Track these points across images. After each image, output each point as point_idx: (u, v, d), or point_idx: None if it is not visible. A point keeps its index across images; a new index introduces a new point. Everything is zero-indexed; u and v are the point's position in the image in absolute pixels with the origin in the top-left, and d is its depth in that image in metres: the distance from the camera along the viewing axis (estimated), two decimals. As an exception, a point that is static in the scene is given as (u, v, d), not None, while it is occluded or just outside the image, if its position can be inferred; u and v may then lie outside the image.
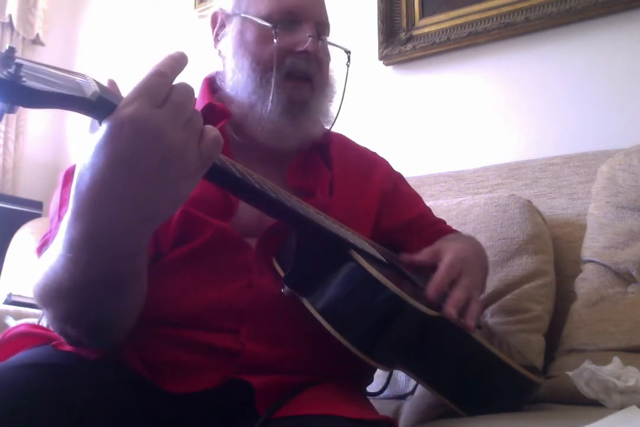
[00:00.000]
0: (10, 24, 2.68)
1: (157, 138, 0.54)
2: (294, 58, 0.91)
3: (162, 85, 0.56)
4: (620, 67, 1.53)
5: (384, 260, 0.86)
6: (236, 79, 0.93)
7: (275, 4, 0.92)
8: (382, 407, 0.95)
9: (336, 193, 0.97)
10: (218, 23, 0.99)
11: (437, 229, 1.09)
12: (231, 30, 0.96)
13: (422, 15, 1.87)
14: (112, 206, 0.56)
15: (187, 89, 0.57)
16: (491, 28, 1.70)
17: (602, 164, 1.31)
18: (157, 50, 2.46)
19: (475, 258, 0.94)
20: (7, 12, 2.65)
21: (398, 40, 1.89)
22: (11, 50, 0.49)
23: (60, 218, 0.80)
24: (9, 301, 1.99)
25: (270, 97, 0.90)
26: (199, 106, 0.94)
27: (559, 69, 1.62)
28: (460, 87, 1.79)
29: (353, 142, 1.11)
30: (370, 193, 1.02)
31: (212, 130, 0.59)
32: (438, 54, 1.83)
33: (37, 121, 2.85)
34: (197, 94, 0.97)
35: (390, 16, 1.91)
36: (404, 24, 1.89)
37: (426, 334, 0.78)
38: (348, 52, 1.01)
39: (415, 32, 1.86)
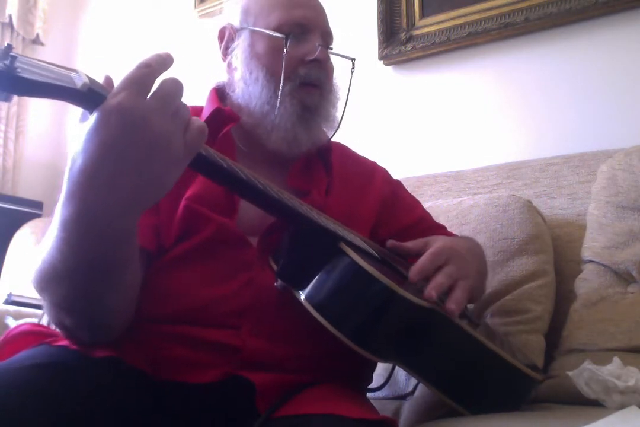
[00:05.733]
0: (10, 24, 2.68)
1: (143, 126, 0.58)
2: (306, 68, 0.95)
3: (148, 75, 0.59)
4: (620, 67, 1.53)
5: (376, 255, 0.86)
6: (250, 90, 0.96)
7: (285, 17, 0.96)
8: (382, 407, 0.95)
9: (332, 196, 0.99)
10: (226, 37, 1.02)
11: (437, 233, 1.08)
12: (241, 43, 0.99)
13: (422, 15, 1.87)
14: (101, 189, 0.59)
15: (174, 82, 0.61)
16: (491, 28, 1.70)
17: (602, 164, 1.31)
18: (157, 50, 2.46)
19: (467, 253, 0.94)
20: (7, 12, 2.65)
21: (398, 40, 1.89)
22: (9, 46, 0.53)
23: None
24: (9, 301, 1.99)
25: (285, 106, 0.93)
26: (207, 111, 0.98)
27: (559, 69, 1.62)
28: (460, 87, 1.79)
29: (353, 151, 1.14)
30: (369, 202, 1.04)
31: (197, 121, 0.62)
32: (438, 54, 1.83)
33: (37, 121, 2.85)
34: (204, 102, 1.02)
35: (390, 16, 1.91)
36: (404, 24, 1.89)
37: (419, 326, 0.78)
38: (353, 60, 1.06)
39: (415, 32, 1.86)
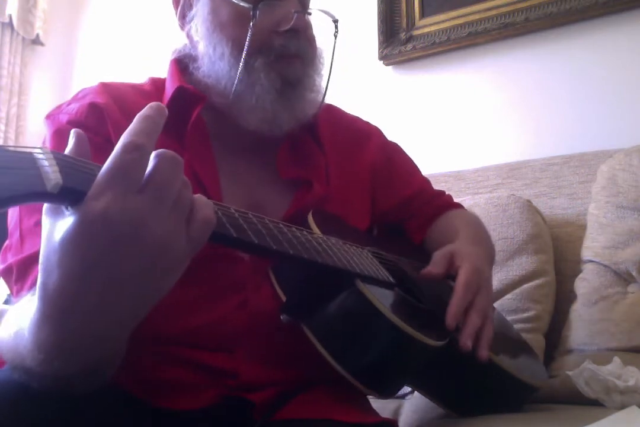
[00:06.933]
0: (10, 24, 2.68)
1: (137, 234, 0.45)
2: (281, 39, 0.80)
3: (137, 162, 0.45)
4: (620, 67, 1.53)
5: (392, 280, 0.81)
6: (217, 68, 0.82)
7: None
8: (382, 407, 0.95)
9: (332, 180, 0.90)
10: (182, 2, 0.88)
11: (437, 204, 1.04)
12: (200, 10, 0.84)
13: (422, 15, 1.87)
14: (86, 314, 0.47)
15: (170, 163, 0.46)
16: (491, 28, 1.70)
17: (602, 164, 1.31)
18: (156, 50, 2.46)
19: (486, 257, 0.89)
20: (7, 12, 2.65)
21: (398, 40, 1.89)
22: None
23: (22, 233, 0.72)
24: (9, 301, 1.99)
25: (261, 84, 0.80)
26: (169, 90, 0.84)
27: (559, 69, 1.62)
28: (460, 87, 1.79)
29: (342, 111, 1.02)
30: (362, 173, 0.96)
31: (201, 209, 0.49)
32: (438, 54, 1.83)
33: (37, 121, 2.84)
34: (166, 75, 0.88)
35: (390, 16, 1.91)
36: (404, 24, 1.89)
37: (432, 362, 0.77)
38: (336, 21, 0.89)
39: (415, 32, 1.86)
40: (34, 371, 0.54)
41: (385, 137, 1.05)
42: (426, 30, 1.84)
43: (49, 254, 0.46)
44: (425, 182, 1.06)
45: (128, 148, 0.45)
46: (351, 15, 1.96)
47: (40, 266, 0.47)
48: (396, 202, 0.99)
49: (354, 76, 1.90)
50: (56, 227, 0.46)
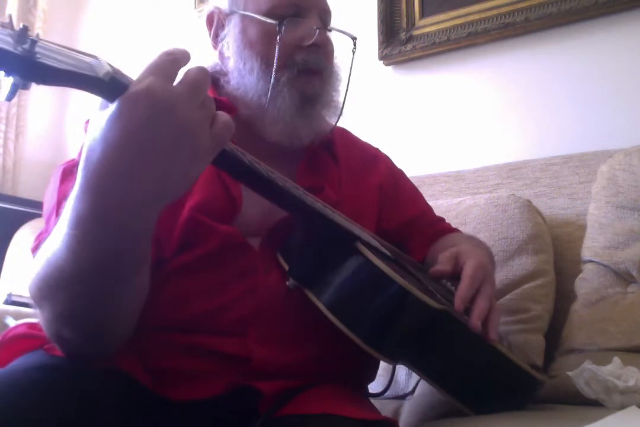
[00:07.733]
0: (10, 24, 2.68)
1: (171, 113, 0.54)
2: (304, 54, 0.89)
3: (173, 62, 0.57)
4: (620, 67, 1.53)
5: (389, 254, 0.85)
6: (245, 81, 0.90)
7: None
8: (382, 407, 0.95)
9: (344, 190, 0.95)
10: (215, 23, 0.95)
11: (438, 228, 1.08)
12: (232, 29, 0.92)
13: (422, 15, 1.87)
14: (121, 181, 0.55)
15: (202, 70, 0.57)
16: (491, 28, 1.70)
17: (602, 164, 1.31)
18: (157, 50, 2.46)
19: (490, 261, 0.94)
20: (7, 12, 2.65)
21: (398, 40, 1.89)
22: (25, 28, 0.51)
23: (58, 216, 0.76)
24: (9, 301, 1.99)
25: (283, 97, 0.88)
26: None
27: (559, 69, 1.62)
28: (460, 87, 1.79)
29: (355, 136, 1.10)
30: (371, 191, 1.01)
31: (223, 115, 0.59)
32: (438, 54, 1.83)
33: (36, 121, 2.84)
34: None
35: (390, 16, 1.91)
36: (404, 24, 1.89)
37: (431, 329, 0.78)
38: (354, 39, 1.00)
39: (415, 32, 1.86)
40: (65, 271, 0.60)
41: (393, 163, 1.11)
42: (426, 30, 1.84)
43: (94, 134, 0.55)
44: (428, 207, 1.12)
45: (164, 53, 0.57)
46: (351, 15, 1.96)
47: (84, 147, 0.56)
48: (400, 222, 1.03)
49: (354, 76, 1.90)
50: (103, 113, 0.55)
